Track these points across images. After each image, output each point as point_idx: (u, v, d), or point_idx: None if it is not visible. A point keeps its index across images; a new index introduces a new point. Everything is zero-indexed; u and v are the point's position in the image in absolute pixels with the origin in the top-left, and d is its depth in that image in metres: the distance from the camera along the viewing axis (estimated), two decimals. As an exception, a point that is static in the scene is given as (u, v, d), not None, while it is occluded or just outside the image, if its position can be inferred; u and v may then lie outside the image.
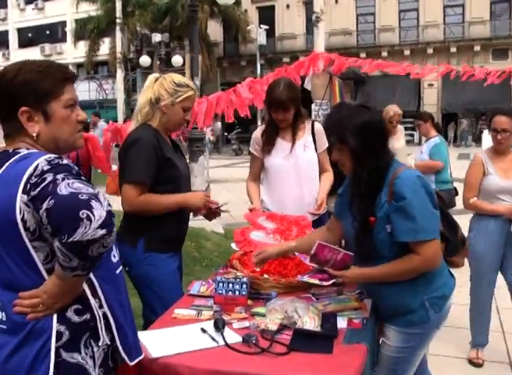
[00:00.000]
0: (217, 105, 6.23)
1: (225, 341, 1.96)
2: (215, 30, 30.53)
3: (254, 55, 28.88)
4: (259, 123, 22.75)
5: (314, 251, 2.23)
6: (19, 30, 39.79)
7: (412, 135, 25.27)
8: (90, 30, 28.63)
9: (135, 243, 2.65)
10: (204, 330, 2.06)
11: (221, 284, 2.30)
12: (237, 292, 2.28)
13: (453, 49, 29.09)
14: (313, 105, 7.97)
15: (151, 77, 2.79)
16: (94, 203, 1.37)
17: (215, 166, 16.80)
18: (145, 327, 2.52)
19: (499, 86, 8.35)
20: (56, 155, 1.51)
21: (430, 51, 29.41)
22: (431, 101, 29.21)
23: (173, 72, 3.45)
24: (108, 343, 1.61)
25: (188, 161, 5.11)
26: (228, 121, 6.55)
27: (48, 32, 38.25)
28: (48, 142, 1.60)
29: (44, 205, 1.37)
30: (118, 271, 1.69)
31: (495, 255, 3.64)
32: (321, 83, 8.05)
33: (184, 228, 2.90)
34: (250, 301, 2.34)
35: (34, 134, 1.56)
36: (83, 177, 1.48)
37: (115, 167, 5.22)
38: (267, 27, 28.64)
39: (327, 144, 3.32)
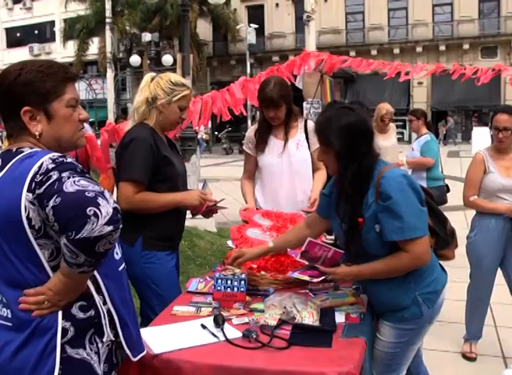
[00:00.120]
0: (213, 104, 6.24)
1: (225, 337, 1.99)
2: (204, 30, 30.49)
3: (243, 54, 28.92)
4: (249, 122, 22.77)
5: (305, 247, 2.25)
6: (7, 30, 39.52)
7: (402, 133, 25.42)
8: (79, 30, 28.40)
9: (133, 241, 2.66)
10: (204, 326, 2.08)
11: (219, 281, 2.33)
12: (236, 288, 2.31)
13: (442, 48, 29.30)
14: (304, 104, 7.98)
15: (148, 77, 2.80)
16: (100, 200, 1.38)
17: (206, 164, 16.79)
18: (144, 325, 2.52)
19: (488, 83, 8.41)
20: (60, 154, 1.53)
21: (419, 49, 29.60)
22: (420, 99, 29.38)
23: (164, 71, 3.46)
24: (113, 339, 1.63)
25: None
26: (225, 119, 6.57)
27: (36, 32, 38.02)
28: (51, 141, 1.61)
29: (51, 203, 1.38)
30: (121, 268, 1.70)
31: (495, 253, 3.67)
32: (313, 81, 8.05)
33: (181, 226, 2.92)
34: (248, 298, 2.36)
35: (37, 134, 1.58)
36: (87, 175, 1.50)
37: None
38: (256, 26, 28.68)
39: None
